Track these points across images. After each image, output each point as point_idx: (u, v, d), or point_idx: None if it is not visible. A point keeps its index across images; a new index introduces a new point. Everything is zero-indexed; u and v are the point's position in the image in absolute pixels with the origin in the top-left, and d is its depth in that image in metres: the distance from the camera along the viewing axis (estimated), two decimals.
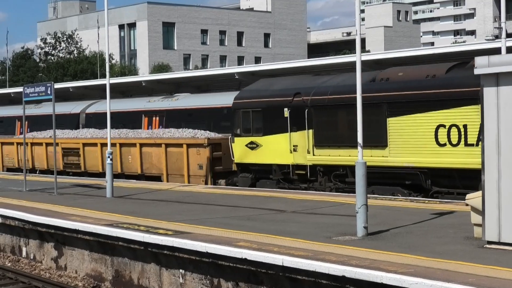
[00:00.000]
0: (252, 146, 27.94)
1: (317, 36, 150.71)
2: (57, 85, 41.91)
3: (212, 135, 31.34)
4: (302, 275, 12.82)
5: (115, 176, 29.50)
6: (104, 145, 33.07)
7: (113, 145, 30.33)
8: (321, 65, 39.67)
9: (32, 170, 39.60)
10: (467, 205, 14.94)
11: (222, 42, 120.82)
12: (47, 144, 38.14)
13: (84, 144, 36.03)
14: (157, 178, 32.05)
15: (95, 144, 35.19)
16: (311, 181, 26.20)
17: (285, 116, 26.71)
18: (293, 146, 26.35)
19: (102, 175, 33.15)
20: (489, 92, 13.42)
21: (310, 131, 25.76)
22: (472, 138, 21.65)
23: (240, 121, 28.55)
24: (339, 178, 25.32)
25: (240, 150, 28.37)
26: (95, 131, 38.30)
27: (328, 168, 25.51)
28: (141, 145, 32.45)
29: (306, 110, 25.90)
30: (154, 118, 40.80)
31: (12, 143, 41.83)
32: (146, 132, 34.61)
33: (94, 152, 35.21)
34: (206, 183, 29.47)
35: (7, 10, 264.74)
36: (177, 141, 31.07)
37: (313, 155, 25.72)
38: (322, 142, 25.49)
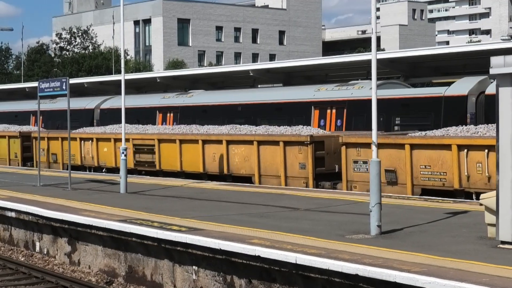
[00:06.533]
0: None
1: (331, 34, 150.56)
2: (72, 80, 42.04)
3: None
4: (315, 273, 12.82)
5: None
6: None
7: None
8: (336, 63, 39.70)
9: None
10: (481, 204, 14.90)
11: (236, 39, 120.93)
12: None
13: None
14: None
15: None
16: None
17: None
18: None
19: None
20: (504, 92, 13.35)
21: None
22: None
23: None
24: None
25: None
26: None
27: None
28: None
29: None
30: (168, 115, 40.94)
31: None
32: None
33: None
34: None
35: (22, 5, 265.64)
36: None
37: None
38: None
